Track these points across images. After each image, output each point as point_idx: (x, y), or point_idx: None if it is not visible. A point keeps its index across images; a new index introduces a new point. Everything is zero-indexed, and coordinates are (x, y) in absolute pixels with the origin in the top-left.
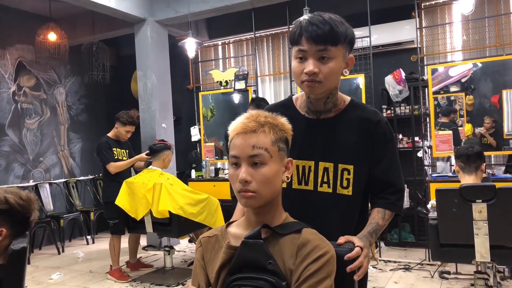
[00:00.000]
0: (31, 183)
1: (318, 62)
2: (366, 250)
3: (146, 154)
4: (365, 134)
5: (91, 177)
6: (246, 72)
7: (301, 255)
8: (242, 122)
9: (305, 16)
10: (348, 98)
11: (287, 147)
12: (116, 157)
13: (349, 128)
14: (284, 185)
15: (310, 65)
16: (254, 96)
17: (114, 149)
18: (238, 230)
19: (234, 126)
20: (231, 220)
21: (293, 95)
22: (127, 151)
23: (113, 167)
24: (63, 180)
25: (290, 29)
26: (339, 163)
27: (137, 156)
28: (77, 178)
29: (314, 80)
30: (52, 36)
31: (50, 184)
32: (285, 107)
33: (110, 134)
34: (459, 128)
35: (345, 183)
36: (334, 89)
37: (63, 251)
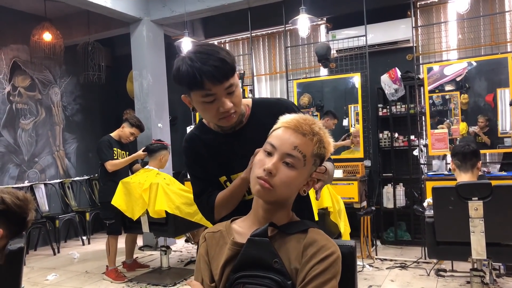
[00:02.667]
0: (26, 183)
1: (229, 96)
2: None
3: (143, 151)
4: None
5: (86, 177)
6: (243, 72)
7: (307, 255)
8: (298, 120)
9: (189, 57)
10: (249, 101)
11: (320, 164)
12: (115, 157)
13: (264, 125)
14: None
15: (226, 104)
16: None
17: (115, 149)
18: (243, 226)
19: (287, 119)
20: (221, 197)
21: (202, 119)
22: (127, 153)
23: (111, 165)
24: (58, 180)
25: (179, 71)
26: None
27: (134, 154)
28: (72, 179)
29: (230, 114)
30: (47, 36)
31: (45, 184)
32: (203, 131)
33: (113, 134)
34: (453, 127)
35: None
36: None
37: (58, 252)
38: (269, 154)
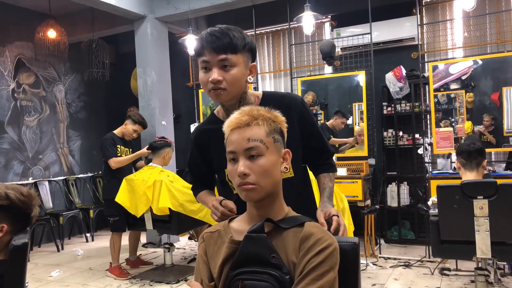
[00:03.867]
0: (31, 180)
1: (221, 71)
2: (336, 211)
3: (147, 149)
4: (287, 117)
5: (90, 174)
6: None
7: (304, 248)
8: (235, 117)
9: (207, 30)
10: (260, 93)
11: (283, 138)
12: (119, 154)
13: None
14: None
15: (214, 74)
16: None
17: (118, 146)
18: (240, 225)
19: (228, 122)
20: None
21: (213, 110)
22: (130, 150)
23: (114, 162)
24: (62, 177)
25: (197, 40)
26: None
27: (138, 152)
28: (76, 176)
29: (219, 87)
30: (51, 33)
31: (49, 181)
32: (211, 122)
33: (116, 131)
34: (458, 125)
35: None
36: (243, 94)
37: (62, 248)
38: (234, 160)
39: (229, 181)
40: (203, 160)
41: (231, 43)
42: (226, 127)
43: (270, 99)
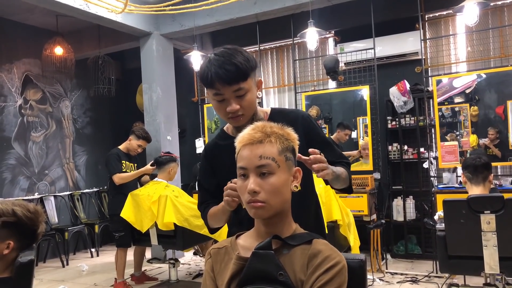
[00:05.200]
0: (36, 195)
1: (237, 99)
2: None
3: (151, 165)
4: (296, 132)
5: (95, 189)
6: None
7: (312, 266)
8: (248, 133)
9: (210, 58)
10: (268, 109)
11: (294, 156)
12: (124, 170)
13: None
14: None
15: (232, 105)
16: None
17: (124, 162)
18: (248, 241)
19: (240, 138)
20: (211, 211)
21: (223, 126)
22: (135, 165)
23: (118, 178)
24: (68, 192)
25: (200, 69)
26: None
27: (142, 169)
28: (82, 191)
29: (237, 115)
30: (58, 50)
31: (55, 196)
32: (221, 138)
33: (121, 147)
34: (463, 139)
35: None
36: (255, 112)
37: (67, 264)
38: (244, 176)
39: None
40: (213, 172)
41: (240, 72)
42: (238, 142)
43: (277, 115)
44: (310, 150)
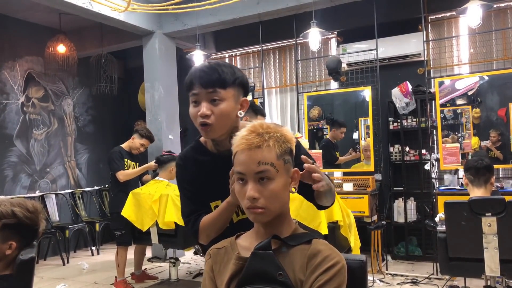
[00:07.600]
0: (38, 193)
1: (210, 105)
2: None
3: (155, 162)
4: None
5: (97, 188)
6: (253, 84)
7: (311, 266)
8: (245, 137)
9: (196, 66)
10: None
11: (292, 157)
12: (126, 168)
13: None
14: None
15: (203, 108)
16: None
17: (126, 160)
18: (247, 241)
19: (237, 142)
20: (213, 215)
21: (198, 138)
22: (137, 164)
23: (122, 174)
24: (69, 190)
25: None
26: None
27: (145, 165)
28: (83, 189)
29: (206, 123)
30: (61, 48)
31: (56, 194)
32: (198, 151)
33: (123, 145)
34: (465, 141)
35: None
36: (233, 128)
37: (68, 262)
38: (242, 180)
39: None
40: (196, 184)
41: (220, 78)
42: (234, 146)
43: None
44: (303, 157)
